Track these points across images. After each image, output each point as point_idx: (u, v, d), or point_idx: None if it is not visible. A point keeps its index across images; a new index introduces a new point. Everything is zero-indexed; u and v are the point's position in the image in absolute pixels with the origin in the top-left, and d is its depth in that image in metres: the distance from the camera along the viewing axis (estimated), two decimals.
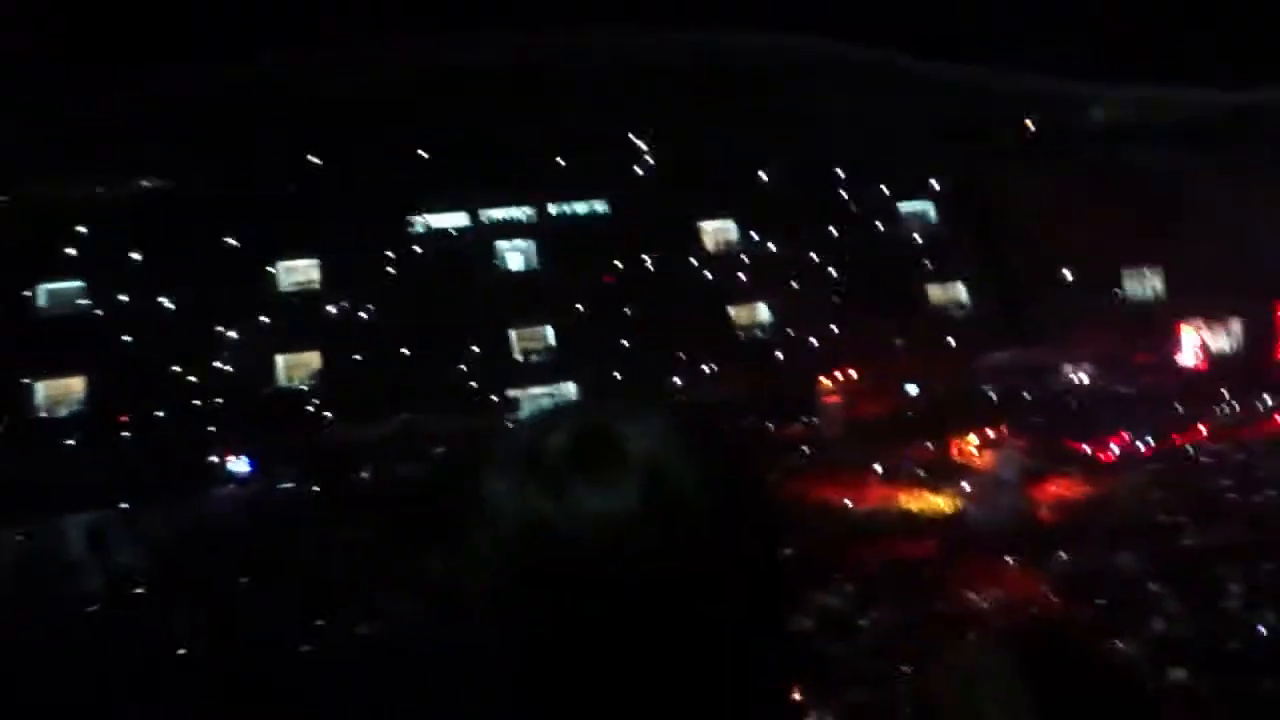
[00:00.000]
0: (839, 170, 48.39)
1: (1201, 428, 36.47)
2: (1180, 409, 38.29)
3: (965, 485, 30.24)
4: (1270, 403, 38.51)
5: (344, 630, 22.77)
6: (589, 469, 1.23)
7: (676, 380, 40.63)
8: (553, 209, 45.58)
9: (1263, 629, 19.26)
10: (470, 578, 1.27)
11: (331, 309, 41.21)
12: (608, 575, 1.19)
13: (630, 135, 46.49)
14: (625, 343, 41.26)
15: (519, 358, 42.63)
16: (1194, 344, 46.52)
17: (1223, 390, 40.18)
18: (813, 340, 43.14)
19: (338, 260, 41.49)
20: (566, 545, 1.19)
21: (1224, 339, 46.82)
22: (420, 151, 42.77)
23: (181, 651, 21.64)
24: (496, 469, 1.28)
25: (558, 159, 44.32)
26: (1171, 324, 46.59)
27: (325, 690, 18.94)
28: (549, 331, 43.12)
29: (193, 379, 37.74)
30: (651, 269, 44.24)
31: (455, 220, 44.62)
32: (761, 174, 47.23)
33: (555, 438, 1.27)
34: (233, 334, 39.37)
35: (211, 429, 36.16)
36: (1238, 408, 38.35)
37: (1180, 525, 26.40)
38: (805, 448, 36.21)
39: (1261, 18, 49.61)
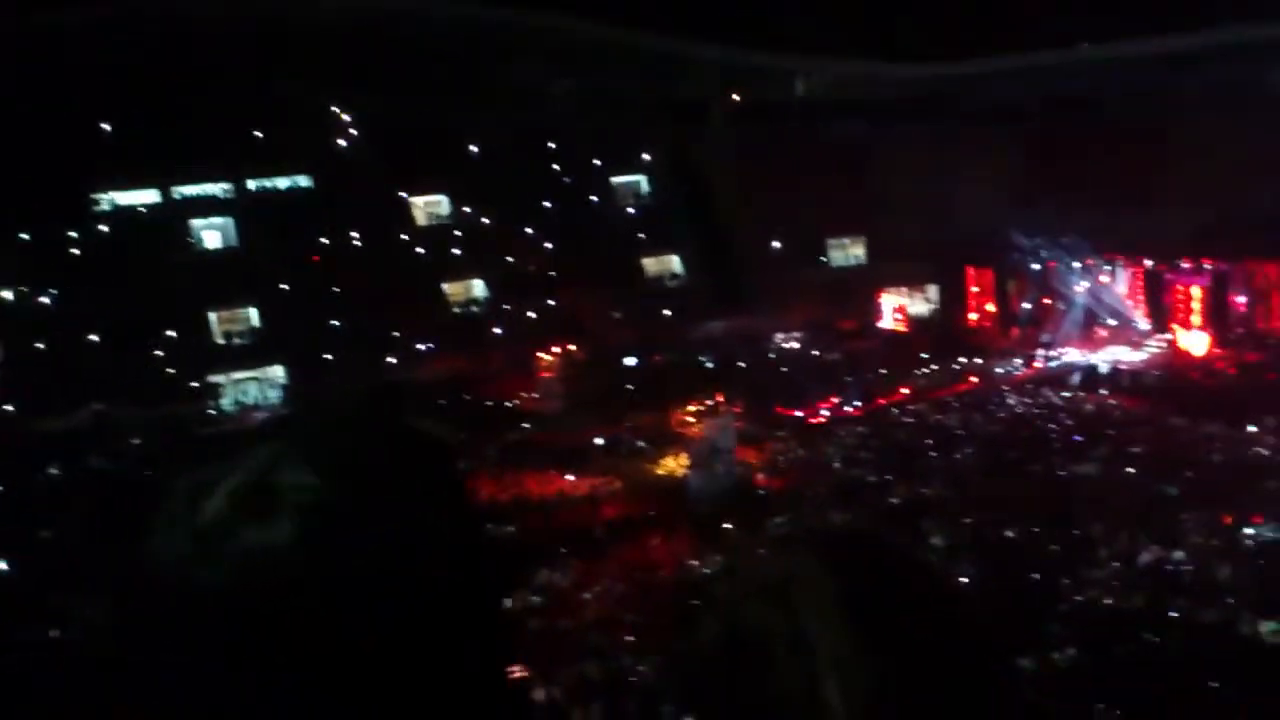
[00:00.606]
0: (551, 143, 47.96)
1: (903, 390, 37.89)
2: (883, 372, 39.71)
3: (684, 454, 30.31)
4: (965, 364, 40.33)
5: (33, 637, 20.88)
6: (246, 526, 1.19)
7: (390, 359, 39.44)
8: (251, 184, 43.41)
9: (964, 580, 19.85)
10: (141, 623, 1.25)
11: (6, 294, 37.97)
12: (281, 621, 1.17)
13: (333, 107, 44.73)
14: (335, 322, 39.72)
15: (220, 340, 40.53)
16: (894, 310, 48.49)
17: (922, 353, 41.96)
18: (529, 314, 42.64)
19: (12, 242, 38.20)
20: (231, 601, 1.17)
21: (922, 304, 49.00)
22: (103, 124, 39.88)
23: None
24: (155, 531, 1.22)
25: (255, 131, 42.17)
26: (873, 291, 48.40)
27: (13, 702, 17.31)
28: (252, 313, 41.12)
29: None
30: (360, 245, 42.69)
31: (144, 197, 41.88)
32: (473, 147, 46.34)
33: (211, 501, 1.21)
34: None
35: None
36: (936, 369, 40.02)
37: (887, 483, 27.15)
38: (525, 424, 35.75)
39: None
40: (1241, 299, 38.22)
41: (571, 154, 48.12)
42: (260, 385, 39.05)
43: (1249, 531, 21.26)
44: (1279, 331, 37.14)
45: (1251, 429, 29.44)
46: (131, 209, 41.47)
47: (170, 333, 38.18)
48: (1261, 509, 22.36)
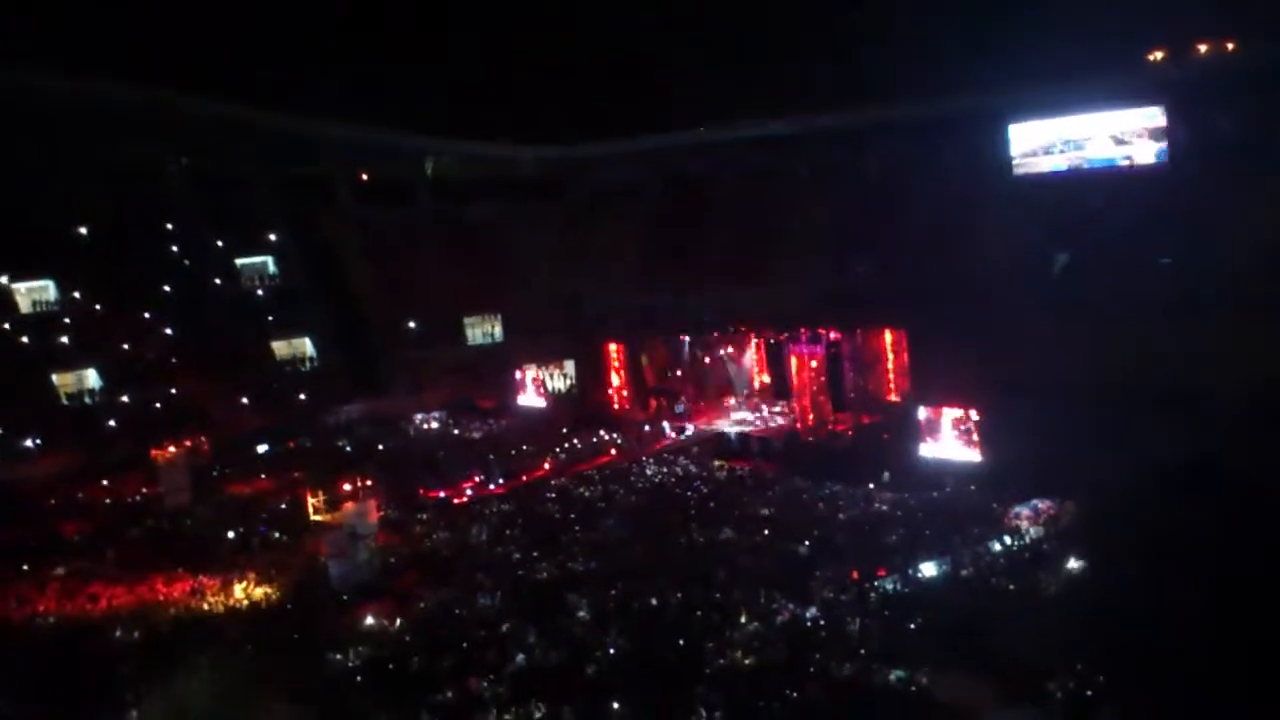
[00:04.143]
0: (169, 224, 45.67)
1: (546, 465, 37.96)
2: (525, 448, 39.69)
3: (322, 541, 29.09)
4: (604, 437, 40.85)
5: None
6: None
7: None
8: None
9: (612, 650, 19.83)
10: None
11: None
12: None
13: None
14: None
15: None
16: (533, 386, 48.66)
17: (562, 428, 42.25)
18: (149, 403, 40.08)
19: None
20: None
21: (560, 379, 49.41)
22: None
23: None
24: None
25: None
26: (512, 368, 48.42)
27: None
28: None
29: None
30: None
31: None
32: (81, 229, 43.50)
33: None
34: None
35: None
36: (577, 443, 40.32)
37: (532, 559, 26.91)
38: (149, 520, 33.46)
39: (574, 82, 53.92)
40: (854, 366, 40.41)
41: (191, 235, 45.96)
42: None
43: (875, 584, 22.30)
44: (888, 395, 39.56)
45: (870, 486, 31.15)
46: None
47: None
48: (884, 562, 23.54)
